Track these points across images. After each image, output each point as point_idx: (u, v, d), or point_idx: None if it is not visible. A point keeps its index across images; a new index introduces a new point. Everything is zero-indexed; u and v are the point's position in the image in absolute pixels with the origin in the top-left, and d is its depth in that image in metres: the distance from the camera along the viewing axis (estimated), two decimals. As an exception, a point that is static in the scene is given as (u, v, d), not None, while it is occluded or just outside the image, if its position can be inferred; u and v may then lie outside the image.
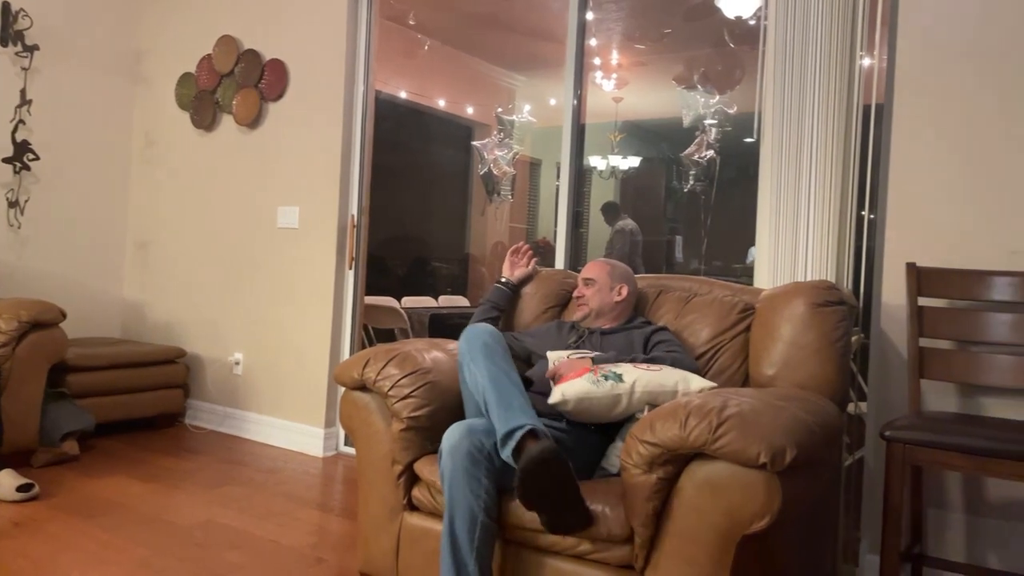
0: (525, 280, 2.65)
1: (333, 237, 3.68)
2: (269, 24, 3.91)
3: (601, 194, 7.44)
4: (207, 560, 2.37)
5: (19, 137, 3.92)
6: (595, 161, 7.34)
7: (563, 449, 1.74)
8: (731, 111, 5.25)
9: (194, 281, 4.19)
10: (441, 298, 6.66)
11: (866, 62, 2.48)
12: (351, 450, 3.65)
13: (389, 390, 2.03)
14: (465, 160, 7.59)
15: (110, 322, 4.43)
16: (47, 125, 4.05)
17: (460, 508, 1.76)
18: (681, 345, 2.24)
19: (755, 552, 1.60)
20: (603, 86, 6.53)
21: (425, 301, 6.33)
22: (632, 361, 2.05)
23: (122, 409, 3.76)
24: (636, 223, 6.68)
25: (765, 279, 2.53)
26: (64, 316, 3.25)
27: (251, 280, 3.96)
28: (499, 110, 7.29)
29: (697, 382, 1.93)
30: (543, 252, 5.43)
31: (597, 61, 6.28)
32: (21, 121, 3.93)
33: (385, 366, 2.06)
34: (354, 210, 3.73)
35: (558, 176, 3.47)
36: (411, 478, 2.04)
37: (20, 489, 2.77)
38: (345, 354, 3.74)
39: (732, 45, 4.99)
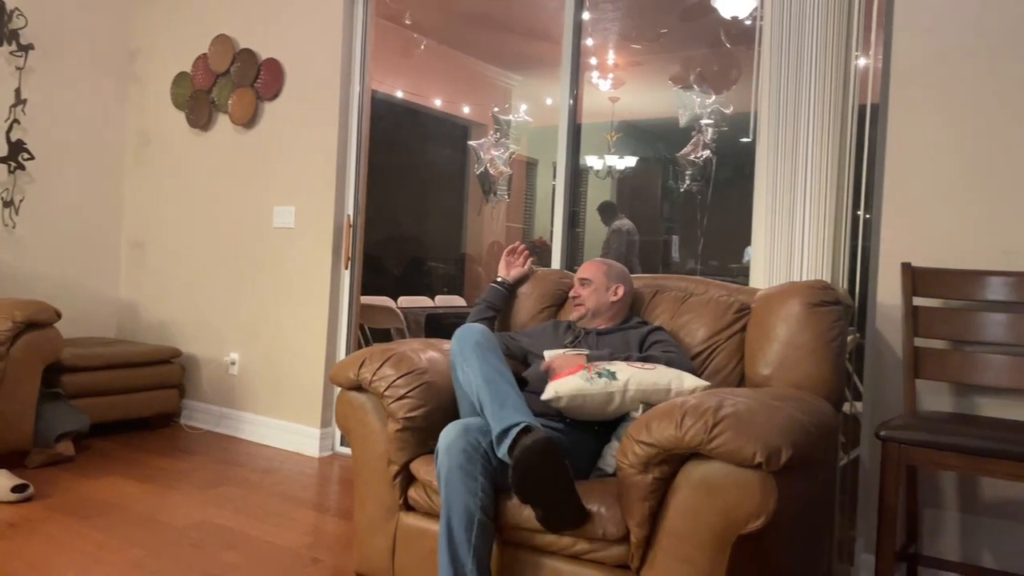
0: (521, 280, 2.65)
1: (329, 237, 3.68)
2: (265, 23, 3.91)
3: (597, 194, 7.44)
4: (202, 561, 2.36)
5: (14, 137, 3.91)
6: (591, 161, 7.33)
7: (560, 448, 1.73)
8: (727, 111, 5.25)
9: (190, 281, 4.18)
10: (437, 298, 6.65)
11: (862, 62, 2.48)
12: (347, 450, 3.64)
13: (385, 390, 2.03)
14: (461, 160, 7.58)
15: (105, 322, 4.42)
16: (42, 125, 4.03)
17: (457, 506, 1.76)
18: (677, 345, 2.24)
19: (751, 551, 1.60)
20: (599, 86, 6.53)
21: (421, 301, 6.32)
22: (627, 360, 2.05)
23: (117, 409, 3.75)
24: (632, 223, 6.68)
25: (761, 279, 2.53)
26: (59, 316, 3.25)
27: (247, 280, 3.96)
28: (495, 110, 7.28)
29: (691, 381, 1.94)
30: (539, 252, 5.43)
31: (593, 61, 6.28)
32: (16, 121, 3.92)
33: (381, 366, 2.06)
34: (350, 210, 3.73)
35: (554, 176, 3.47)
36: (407, 478, 2.04)
37: (15, 490, 2.76)
38: (341, 354, 3.74)
39: (728, 45, 5.00)
